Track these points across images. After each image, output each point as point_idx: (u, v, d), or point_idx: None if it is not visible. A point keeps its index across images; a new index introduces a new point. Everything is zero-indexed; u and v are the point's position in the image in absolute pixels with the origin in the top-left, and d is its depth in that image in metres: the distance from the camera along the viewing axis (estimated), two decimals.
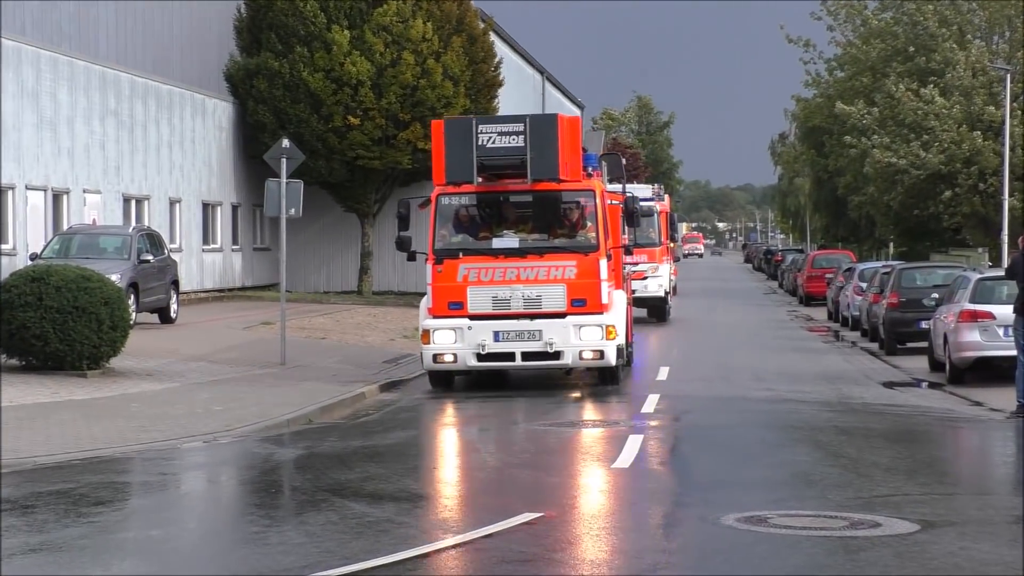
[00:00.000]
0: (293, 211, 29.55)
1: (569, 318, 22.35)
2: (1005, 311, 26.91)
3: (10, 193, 37.70)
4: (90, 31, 53.33)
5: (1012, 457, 20.12)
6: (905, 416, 23.85)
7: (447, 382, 25.50)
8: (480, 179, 23.17)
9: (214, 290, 51.22)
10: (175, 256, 42.76)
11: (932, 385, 28.50)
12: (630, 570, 11.96)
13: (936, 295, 34.59)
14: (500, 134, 22.47)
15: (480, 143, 22.35)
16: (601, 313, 22.48)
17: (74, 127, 41.77)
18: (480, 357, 22.28)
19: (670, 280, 53.13)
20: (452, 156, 22.54)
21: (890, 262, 50.25)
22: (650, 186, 55.51)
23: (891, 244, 68.95)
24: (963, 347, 28.23)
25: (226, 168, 53.82)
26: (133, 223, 42.78)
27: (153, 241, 39.00)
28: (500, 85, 56.96)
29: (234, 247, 54.73)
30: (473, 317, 22.22)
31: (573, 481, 17.33)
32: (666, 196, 57.95)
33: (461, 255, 22.50)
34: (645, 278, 44.87)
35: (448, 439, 21.65)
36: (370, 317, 43.49)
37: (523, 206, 24.00)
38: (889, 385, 29.52)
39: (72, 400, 23.11)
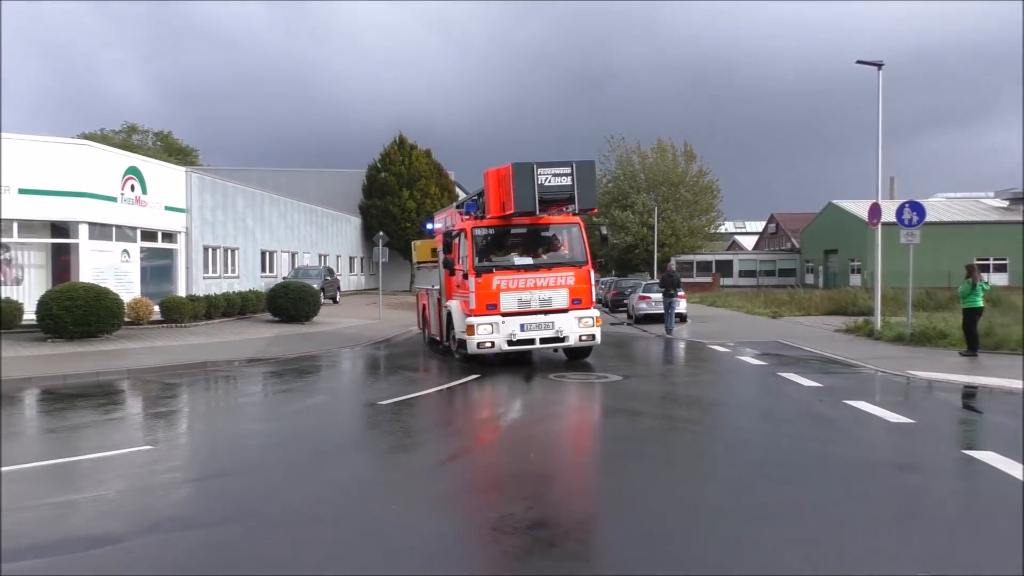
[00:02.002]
0: (384, 259, 29.43)
1: (571, 312, 15.10)
2: (656, 295, 27.52)
3: (275, 254, 37.24)
4: (306, 190, 53.14)
5: (660, 349, 20.35)
6: (616, 335, 24.04)
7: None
8: (510, 212, 14.51)
9: (354, 290, 50.85)
10: (339, 276, 42.38)
11: (628, 324, 28.70)
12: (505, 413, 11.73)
13: (630, 288, 34.98)
14: (554, 175, 14.35)
15: (539, 182, 14.23)
16: (591, 308, 15.36)
17: (300, 228, 41.31)
18: (510, 343, 14.81)
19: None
20: (519, 191, 14.20)
21: (613, 277, 50.79)
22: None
23: (613, 271, 69.11)
24: (639, 309, 28.66)
25: (358, 242, 53.11)
26: (322, 264, 42.47)
27: (330, 271, 38.77)
28: None
29: (360, 273, 54.16)
30: (504, 314, 14.94)
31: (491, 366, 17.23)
32: None
33: (494, 270, 14.89)
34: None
35: (445, 351, 17.92)
36: (413, 299, 43.46)
37: (532, 234, 15.47)
38: (613, 324, 29.79)
39: (297, 333, 22.92)
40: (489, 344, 14.75)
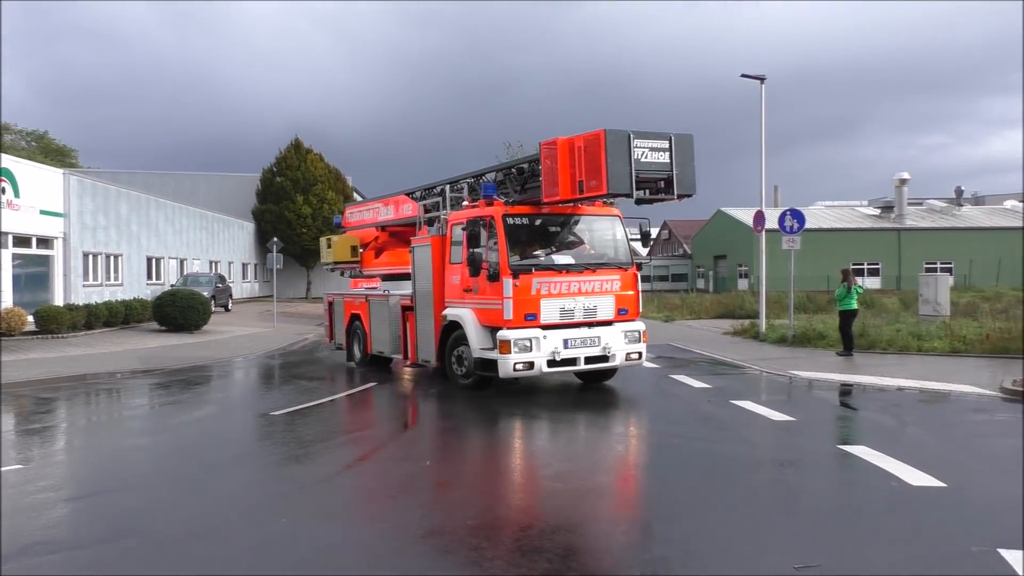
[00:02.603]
0: (279, 265, 28.83)
1: (616, 325, 11.93)
2: None
3: (162, 260, 35.62)
4: (195, 194, 51.34)
5: None
6: None
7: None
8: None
9: (247, 298, 49.26)
10: (231, 284, 41.17)
11: None
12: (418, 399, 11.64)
13: None
14: (652, 149, 10.59)
15: (635, 156, 10.44)
16: (637, 320, 12.19)
17: (189, 233, 39.70)
18: (552, 363, 11.36)
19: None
20: (613, 167, 10.24)
21: None
22: None
23: None
24: None
25: (251, 248, 51.43)
26: (213, 271, 41.02)
27: (221, 278, 37.60)
28: None
29: (254, 280, 52.41)
30: (545, 327, 11.46)
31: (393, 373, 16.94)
32: None
33: (534, 270, 11.46)
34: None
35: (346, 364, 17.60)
36: (310, 308, 42.48)
37: (571, 227, 12.14)
38: None
39: (186, 343, 22.12)
40: (527, 365, 11.29)
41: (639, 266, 12.32)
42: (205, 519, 6.17)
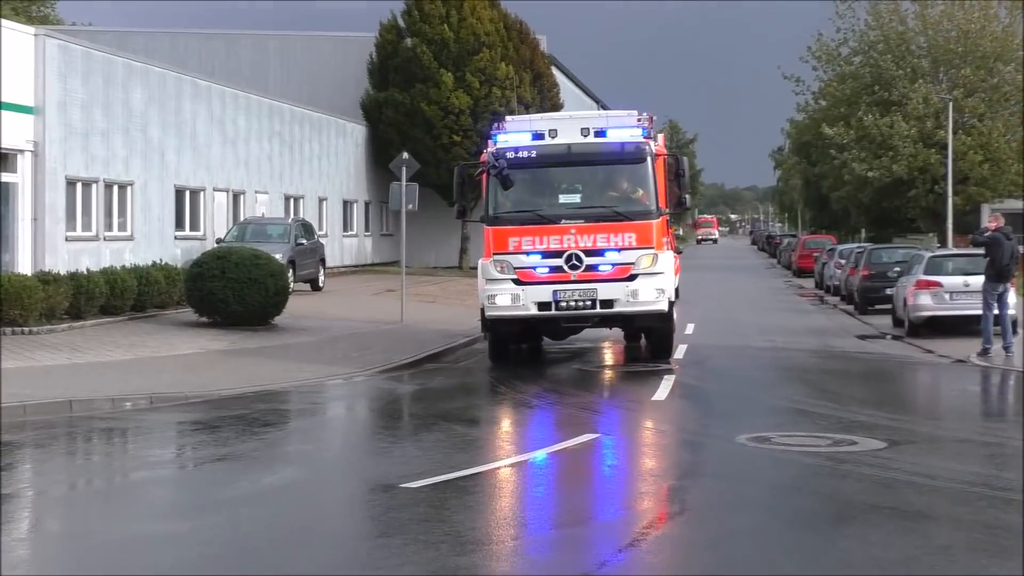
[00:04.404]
0: (411, 206, 29.53)
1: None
2: (951, 280, 27.08)
3: (202, 194, 37.76)
4: (261, 74, 53.94)
5: (957, 391, 19.91)
6: (875, 360, 23.62)
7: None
8: None
9: (351, 266, 51.20)
10: (323, 240, 42.73)
11: (895, 337, 28.14)
12: (670, 478, 11.81)
13: (898, 268, 34.25)
14: None
15: None
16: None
17: (249, 145, 41.76)
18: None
19: (674, 281, 23.39)
20: None
21: (862, 244, 49.80)
22: (630, 112, 22.70)
23: (863, 230, 68.09)
24: (919, 308, 28.02)
25: (361, 174, 53.64)
26: (292, 215, 42.74)
27: (306, 229, 39.15)
28: (561, 108, 56.60)
29: (366, 233, 54.60)
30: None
31: (623, 411, 17.21)
32: (660, 136, 25.25)
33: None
34: (631, 276, 20.80)
35: (525, 376, 20.75)
36: (467, 286, 43.15)
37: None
38: (862, 337, 29.12)
39: (246, 348, 23.13)
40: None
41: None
42: None
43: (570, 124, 21.43)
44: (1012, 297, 24.10)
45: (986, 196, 58.33)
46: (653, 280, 20.38)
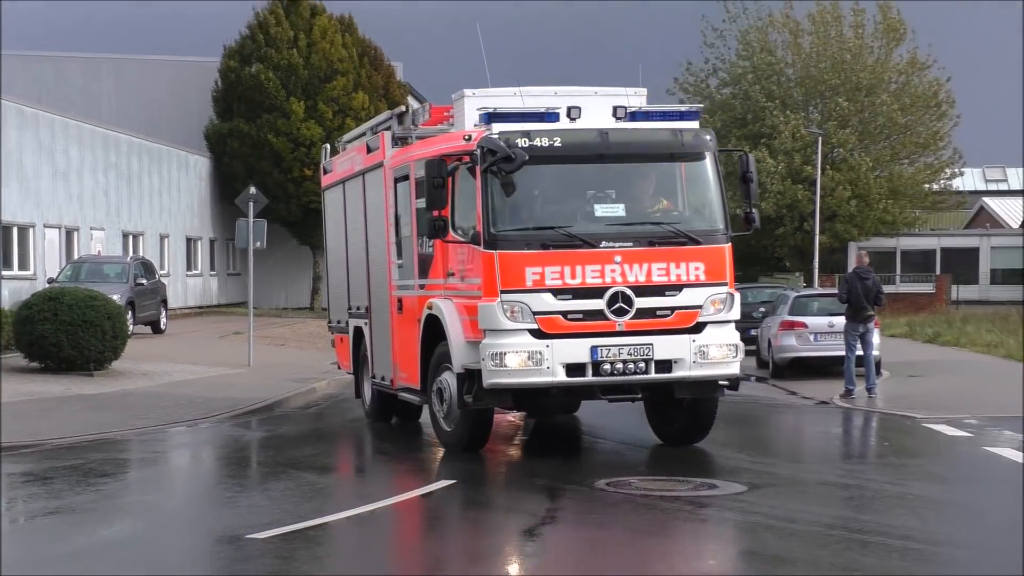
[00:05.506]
0: (259, 244, 29.55)
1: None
2: (816, 320, 27.85)
3: (31, 230, 37.34)
4: (94, 100, 53.44)
5: (819, 433, 20.49)
6: (738, 403, 24.05)
7: None
8: None
9: (196, 307, 50.90)
10: (164, 280, 42.44)
11: (759, 379, 28.63)
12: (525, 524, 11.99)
13: (763, 309, 34.90)
14: None
15: None
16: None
17: (83, 178, 41.42)
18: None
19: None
20: None
21: None
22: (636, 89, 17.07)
23: None
24: (784, 349, 28.67)
25: (205, 210, 53.42)
26: (131, 254, 42.41)
27: (146, 268, 38.85)
28: None
29: (211, 272, 54.33)
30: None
31: (481, 455, 17.43)
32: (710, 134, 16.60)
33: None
34: (698, 327, 15.44)
35: (378, 428, 20.15)
36: (318, 327, 43.05)
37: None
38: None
39: (81, 394, 22.92)
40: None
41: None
42: None
43: (595, 101, 16.18)
44: (876, 338, 24.91)
45: (853, 234, 59.79)
46: (724, 332, 15.53)
